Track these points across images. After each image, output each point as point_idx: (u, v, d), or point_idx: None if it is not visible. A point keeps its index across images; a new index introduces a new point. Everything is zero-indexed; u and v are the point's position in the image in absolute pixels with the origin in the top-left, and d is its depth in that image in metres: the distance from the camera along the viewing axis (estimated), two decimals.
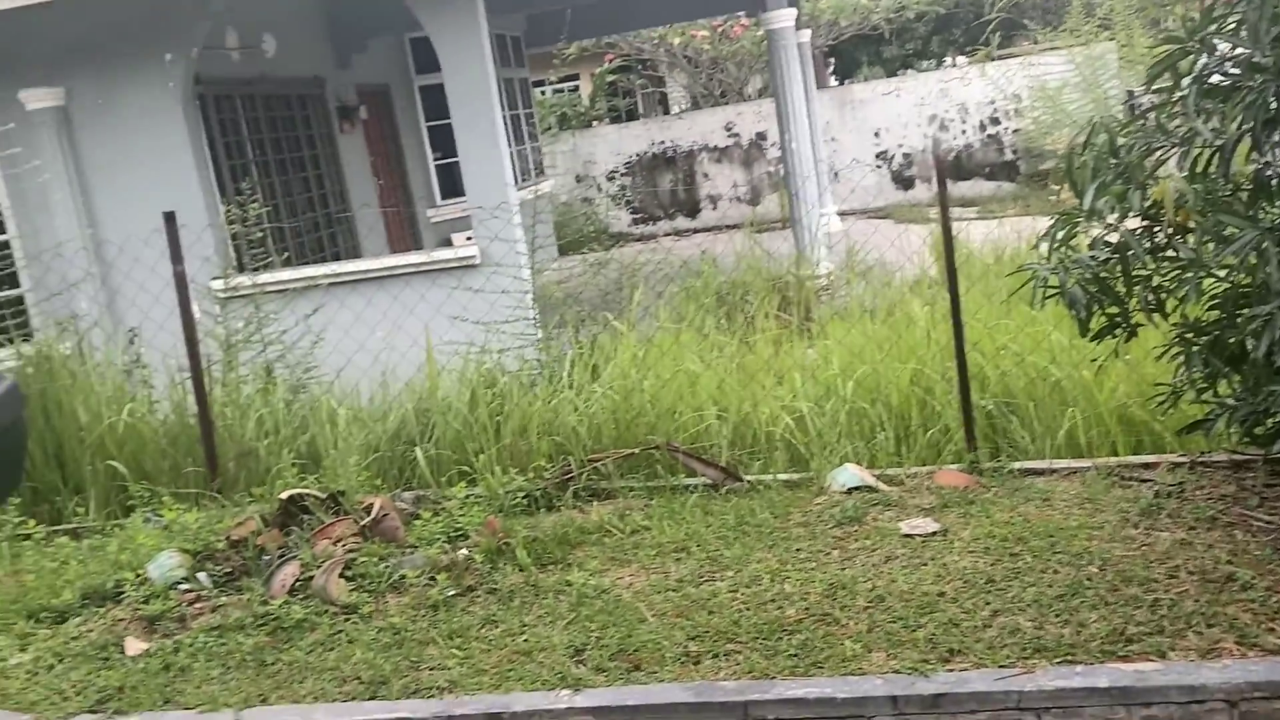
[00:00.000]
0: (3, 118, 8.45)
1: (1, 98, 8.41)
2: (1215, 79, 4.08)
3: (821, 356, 6.51)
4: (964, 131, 17.91)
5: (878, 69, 26.20)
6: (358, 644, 4.29)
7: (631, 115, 22.14)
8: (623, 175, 18.87)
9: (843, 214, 16.10)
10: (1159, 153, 4.27)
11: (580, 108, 20.60)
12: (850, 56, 25.23)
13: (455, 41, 7.96)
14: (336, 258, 10.53)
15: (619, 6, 14.15)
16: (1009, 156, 17.80)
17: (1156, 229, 4.55)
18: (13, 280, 8.84)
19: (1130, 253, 4.44)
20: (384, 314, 6.98)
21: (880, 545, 4.56)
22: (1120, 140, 4.50)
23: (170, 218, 5.94)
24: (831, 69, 25.31)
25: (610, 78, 20.42)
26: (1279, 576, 3.89)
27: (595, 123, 20.16)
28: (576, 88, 23.07)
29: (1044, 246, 4.70)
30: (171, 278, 6.00)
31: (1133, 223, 4.51)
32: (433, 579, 4.65)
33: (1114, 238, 4.58)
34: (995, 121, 17.82)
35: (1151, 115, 4.37)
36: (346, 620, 4.48)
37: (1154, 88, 4.32)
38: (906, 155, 18.05)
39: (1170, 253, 4.54)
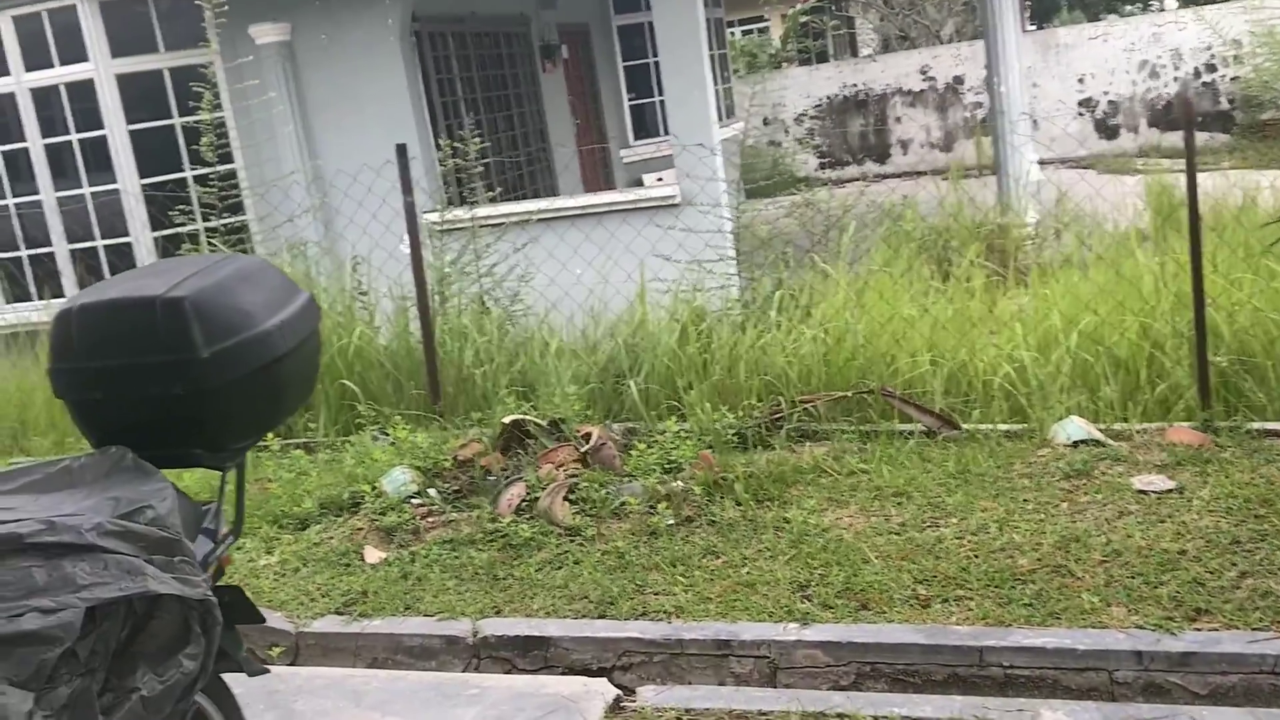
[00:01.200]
0: (235, 51, 8.87)
1: (233, 32, 8.82)
2: None
3: (1039, 306, 6.31)
4: (1176, 79, 16.96)
5: (1077, 12, 25.02)
6: (584, 564, 4.42)
7: (821, 58, 21.73)
8: (811, 118, 18.58)
9: (1043, 163, 15.47)
10: None
11: (770, 50, 20.32)
12: (1050, 0, 24.18)
13: None
14: (535, 195, 10.73)
15: None
16: (1224, 106, 16.78)
17: None
18: (238, 209, 9.33)
19: None
20: (600, 249, 7.08)
21: (1112, 500, 4.43)
22: None
23: (402, 150, 6.15)
24: (1028, 13, 24.28)
25: (803, 19, 20.07)
26: None
27: (785, 64, 19.86)
28: (766, 29, 22.75)
29: None
30: (397, 209, 6.22)
31: None
32: (652, 508, 4.75)
33: None
34: (1211, 69, 16.81)
35: None
36: (571, 541, 4.62)
37: None
38: (1112, 102, 17.22)
39: None
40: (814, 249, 7.74)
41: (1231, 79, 16.75)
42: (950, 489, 4.69)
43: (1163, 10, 21.40)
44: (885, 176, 16.69)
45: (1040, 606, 3.70)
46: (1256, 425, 5.03)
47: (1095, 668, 3.42)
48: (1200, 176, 12.41)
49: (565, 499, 4.85)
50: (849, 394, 5.62)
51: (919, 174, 16.49)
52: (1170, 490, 4.45)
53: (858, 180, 17.76)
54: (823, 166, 18.49)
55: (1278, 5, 15.81)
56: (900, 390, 5.61)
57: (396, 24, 8.86)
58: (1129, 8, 24.70)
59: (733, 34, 21.14)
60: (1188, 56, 16.87)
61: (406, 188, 6.16)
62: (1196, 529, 4.09)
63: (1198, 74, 16.93)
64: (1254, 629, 3.43)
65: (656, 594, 4.15)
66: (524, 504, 4.87)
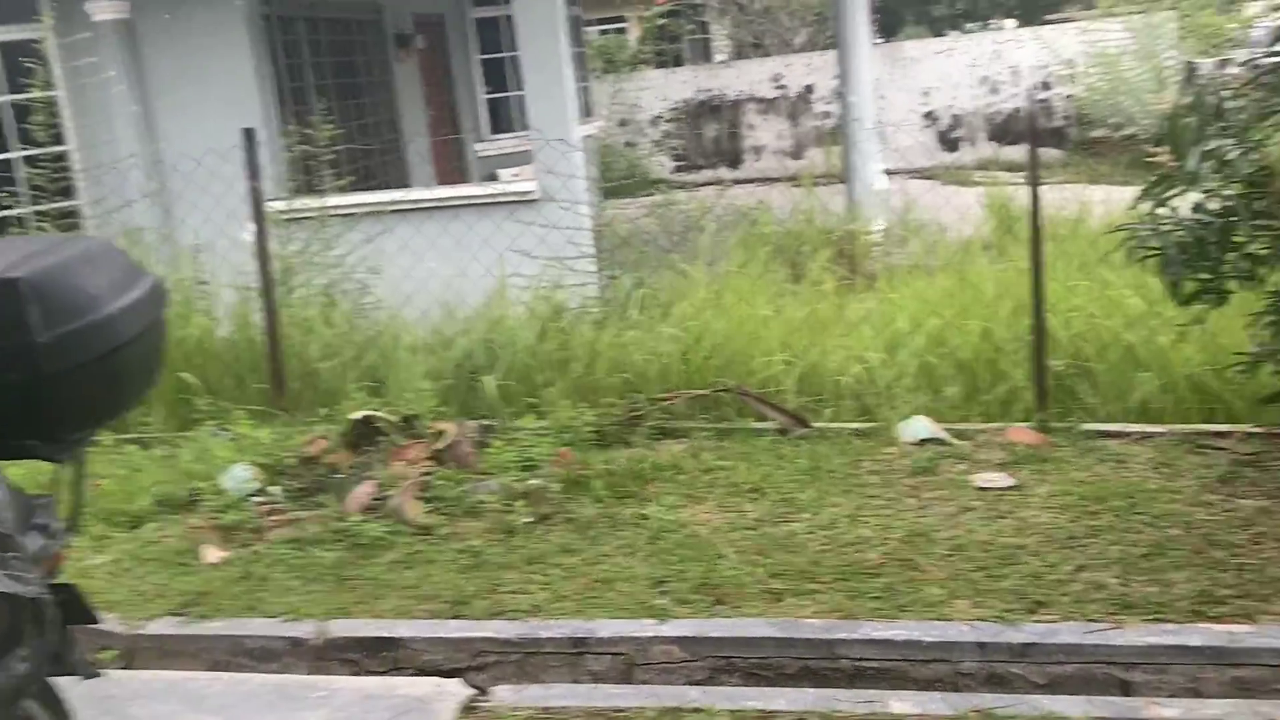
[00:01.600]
0: (71, 27, 8.41)
1: (69, 7, 8.36)
2: None
3: (887, 310, 6.48)
4: (1015, 95, 17.69)
5: (921, 27, 25.86)
6: (437, 564, 4.33)
7: (678, 61, 21.92)
8: (668, 121, 18.72)
9: (889, 172, 15.93)
10: (1273, 118, 4.20)
11: (627, 51, 20.40)
12: (895, 13, 24.92)
13: None
14: (387, 186, 10.49)
15: None
16: (1059, 123, 17.58)
17: (1259, 196, 4.49)
18: (69, 192, 8.84)
19: (1235, 218, 4.39)
20: (456, 244, 6.96)
21: (955, 496, 4.56)
22: (1230, 104, 4.44)
23: (249, 134, 5.92)
24: (875, 26, 24.98)
25: (660, 21, 20.20)
26: None
27: (642, 66, 19.97)
28: (624, 30, 22.83)
29: (1144, 207, 4.66)
30: (241, 195, 5.99)
31: (1236, 188, 4.47)
32: (509, 505, 4.68)
33: (1214, 203, 4.54)
34: (1046, 86, 17.59)
35: (1270, 78, 4.30)
36: (424, 540, 4.51)
37: (1272, 51, 4.25)
38: (955, 116, 17.86)
39: (1273, 221, 4.49)
40: (673, 249, 7.79)
41: (1066, 97, 17.55)
42: (803, 485, 4.76)
43: (1003, 28, 22.32)
44: (739, 181, 16.93)
45: (889, 600, 3.78)
46: (1090, 426, 5.26)
47: (941, 659, 3.51)
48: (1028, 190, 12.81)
49: (418, 497, 4.74)
50: (707, 392, 5.65)
51: (771, 180, 16.81)
52: (1010, 487, 4.61)
53: (712, 184, 18.00)
54: (678, 169, 18.65)
55: (1109, 28, 16.67)
56: (756, 389, 5.68)
57: (244, 5, 8.54)
58: (970, 25, 25.67)
59: (590, 33, 21.14)
60: (1026, 74, 17.61)
61: (253, 173, 5.93)
62: (1035, 524, 4.24)
63: (1035, 91, 17.69)
64: (1089, 620, 3.57)
65: (512, 593, 4.08)
66: (374, 502, 4.74)
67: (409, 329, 6.48)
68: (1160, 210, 4.64)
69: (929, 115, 17.89)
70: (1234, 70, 5.09)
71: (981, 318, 6.13)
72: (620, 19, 22.61)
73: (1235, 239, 4.58)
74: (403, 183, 11.05)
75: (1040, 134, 17.65)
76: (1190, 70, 10.57)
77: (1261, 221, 4.53)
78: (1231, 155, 4.37)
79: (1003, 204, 10.14)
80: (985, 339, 5.96)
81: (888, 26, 25.70)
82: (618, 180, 14.06)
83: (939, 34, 22.55)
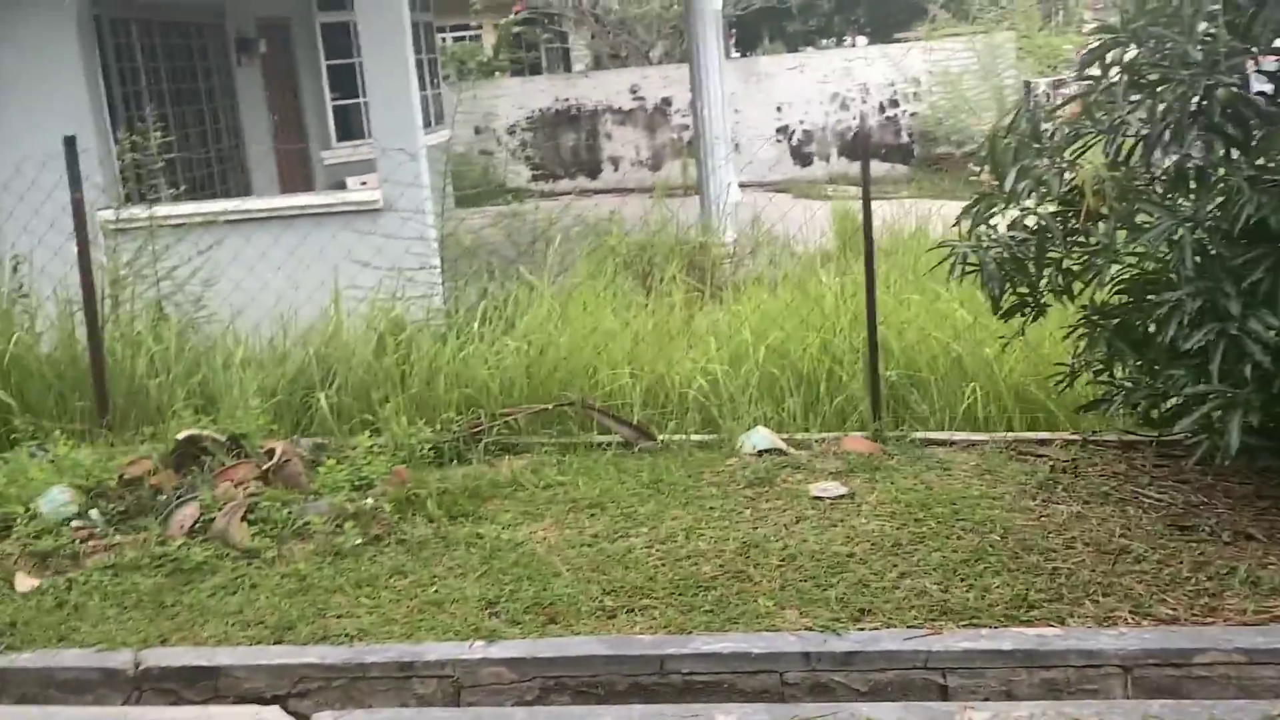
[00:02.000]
0: None
1: None
2: (1148, 71, 4.21)
3: (733, 322, 6.55)
4: (864, 111, 18.15)
5: (778, 43, 26.39)
6: (261, 589, 4.18)
7: (534, 69, 21.87)
8: (524, 130, 18.66)
9: (742, 185, 16.19)
10: (1084, 139, 4.38)
11: (482, 58, 20.26)
12: (752, 29, 25.35)
13: None
14: (227, 194, 10.17)
15: None
16: (904, 139, 18.13)
17: (1071, 214, 4.69)
18: None
19: (1048, 236, 4.57)
20: (290, 254, 6.77)
21: (791, 506, 4.63)
22: (1045, 125, 4.63)
23: (70, 142, 5.65)
24: (733, 40, 25.39)
25: (516, 29, 20.13)
26: (1170, 551, 4.07)
27: (497, 74, 19.86)
28: (478, 36, 22.66)
29: (966, 224, 4.82)
30: (65, 205, 5.72)
31: (1051, 206, 4.65)
32: (339, 527, 4.56)
33: (1031, 220, 4.72)
34: (894, 104, 18.12)
35: (1078, 102, 4.49)
36: (249, 565, 4.36)
37: (1084, 75, 4.44)
38: (807, 131, 18.24)
39: (1083, 238, 4.68)
40: (520, 260, 7.73)
41: (911, 114, 18.11)
42: (643, 499, 4.76)
43: (854, 46, 22.92)
44: (597, 192, 16.99)
45: (720, 612, 3.80)
46: (920, 435, 5.41)
47: (768, 670, 3.54)
48: (881, 204, 13.33)
49: (244, 519, 4.58)
50: (550, 406, 5.62)
51: (628, 191, 16.90)
52: (843, 496, 4.70)
53: (570, 194, 18.02)
54: (535, 179, 18.60)
55: (952, 47, 17.27)
56: (601, 402, 5.67)
57: (72, 7, 8.16)
58: (825, 41, 26.29)
59: (443, 39, 20.92)
60: (874, 91, 18.12)
61: (75, 182, 5.66)
62: (864, 532, 4.33)
63: (882, 108, 18.21)
64: (910, 626, 3.66)
65: (339, 617, 3.97)
66: (198, 525, 4.56)
67: (243, 344, 6.28)
68: (981, 228, 4.81)
69: (782, 130, 18.24)
70: (1067, 90, 5.32)
71: (821, 330, 6.25)
72: (475, 25, 22.44)
73: (1050, 255, 4.77)
74: (244, 191, 10.73)
75: (886, 150, 18.27)
76: (1027, 89, 11.04)
77: (1075, 238, 4.73)
78: (1046, 175, 4.54)
79: (845, 218, 10.38)
80: (824, 351, 6.08)
81: (747, 42, 26.13)
82: (471, 189, 13.94)
83: (795, 50, 23.02)
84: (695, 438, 5.42)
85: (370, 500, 4.73)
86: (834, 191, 15.21)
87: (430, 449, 5.26)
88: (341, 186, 11.92)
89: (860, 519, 4.47)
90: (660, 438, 5.41)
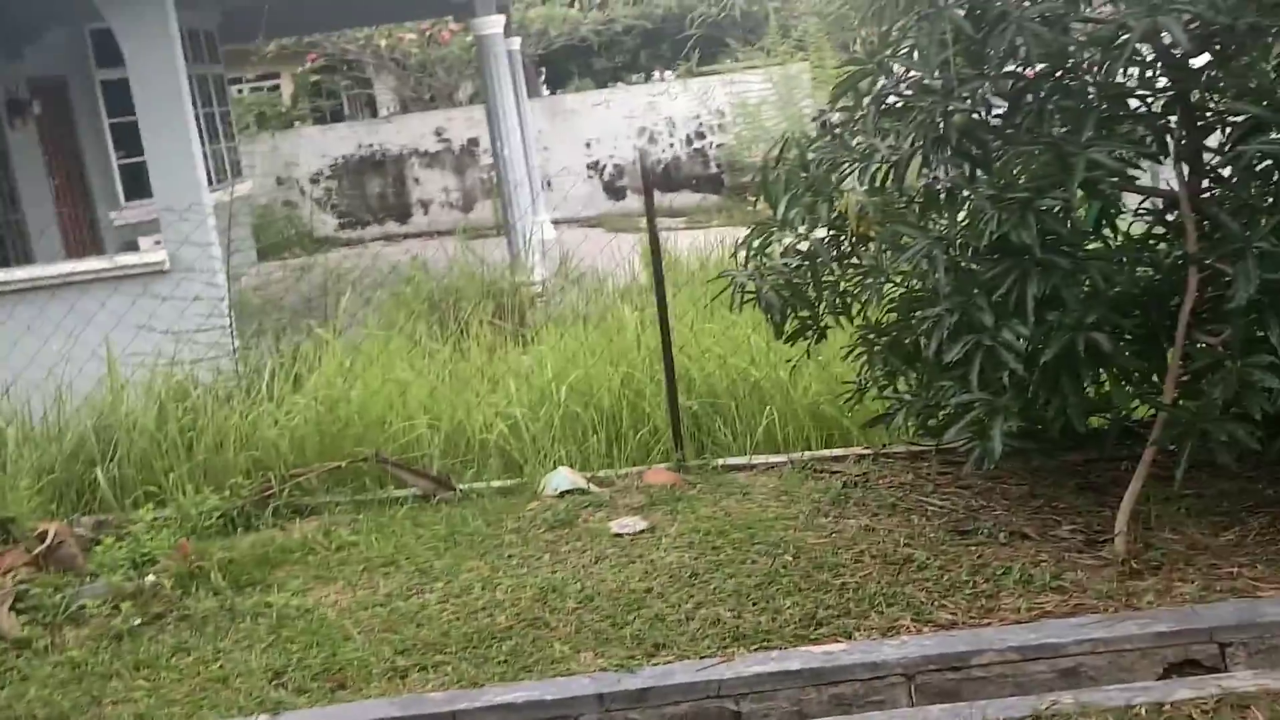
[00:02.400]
0: None
1: None
2: (892, 99, 4.39)
3: (536, 362, 6.53)
4: (672, 144, 18.50)
5: (588, 80, 26.70)
6: (32, 680, 3.93)
7: (337, 117, 21.50)
8: (328, 178, 18.30)
9: (556, 222, 16.27)
10: (843, 167, 4.54)
11: (281, 107, 19.81)
12: (561, 67, 25.57)
13: (140, 34, 7.46)
14: (5, 264, 9.63)
15: (320, 6, 13.69)
16: (714, 170, 18.53)
17: (842, 238, 4.85)
18: None
19: (819, 260, 4.71)
20: (58, 325, 6.43)
21: (591, 546, 4.61)
22: (810, 155, 4.78)
23: None
24: (543, 78, 25.55)
25: (314, 78, 19.77)
26: (950, 556, 4.21)
27: (298, 123, 19.45)
28: (277, 87, 22.17)
29: (741, 254, 4.93)
30: None
31: (822, 232, 4.80)
32: (116, 608, 4.32)
33: (805, 246, 4.86)
34: (701, 136, 18.50)
35: (837, 132, 4.65)
36: (19, 656, 4.09)
37: (838, 106, 4.60)
38: (618, 166, 18.45)
39: (854, 260, 4.85)
40: (313, 313, 7.54)
41: (718, 145, 18.53)
42: (439, 552, 4.67)
43: (662, 80, 23.33)
44: (407, 236, 16.78)
45: (515, 662, 3.75)
46: (722, 461, 5.49)
47: (562, 715, 3.51)
48: (692, 234, 13.52)
49: (12, 609, 4.30)
50: (343, 464, 5.47)
51: (440, 234, 16.73)
52: (643, 531, 4.71)
53: (379, 240, 17.74)
54: (343, 226, 18.24)
55: (752, 79, 17.76)
56: (399, 455, 5.56)
57: None
58: (634, 76, 26.72)
59: (240, 91, 20.39)
60: (680, 124, 18.47)
61: None
62: (662, 565, 4.35)
63: (689, 140, 18.58)
64: (703, 657, 3.68)
65: (115, 703, 3.76)
66: None
67: (16, 421, 5.92)
68: (760, 256, 4.92)
69: (593, 165, 18.41)
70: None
71: (624, 363, 6.29)
72: (273, 75, 21.96)
73: (826, 279, 4.92)
74: (26, 259, 10.16)
75: (696, 180, 18.65)
76: (821, 118, 11.45)
77: (848, 261, 4.89)
78: (815, 203, 4.69)
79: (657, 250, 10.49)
80: (626, 384, 6.11)
81: (557, 80, 26.33)
82: (274, 241, 13.59)
83: (605, 86, 23.30)
84: (496, 484, 5.36)
85: (151, 577, 4.51)
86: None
87: (219, 517, 5.06)
88: (134, 247, 11.42)
89: (659, 552, 4.48)
90: (460, 487, 5.33)
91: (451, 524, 4.92)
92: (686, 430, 5.68)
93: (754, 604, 3.98)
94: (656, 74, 26.75)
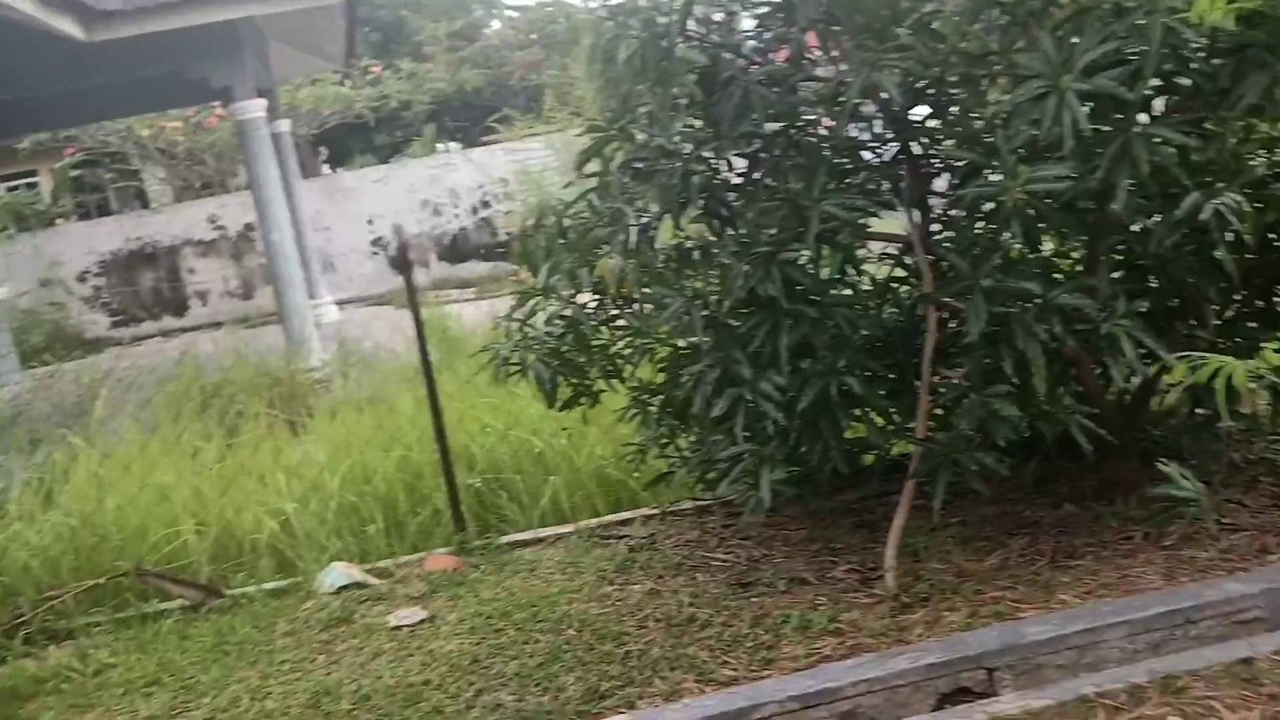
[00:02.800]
0: None
1: None
2: (637, 164, 4.45)
3: (307, 453, 6.29)
4: (457, 215, 18.43)
5: (370, 157, 26.40)
6: None
7: (105, 210, 20.53)
8: (96, 275, 17.40)
9: (342, 303, 15.91)
10: (596, 232, 4.56)
11: (41, 205, 18.78)
12: (342, 145, 25.20)
13: None
14: None
15: (71, 100, 13.04)
16: (502, 238, 18.53)
17: (606, 301, 4.86)
18: None
19: (581, 326, 4.70)
20: None
21: (368, 642, 4.42)
22: (567, 221, 4.79)
23: None
24: (324, 157, 25.12)
25: (75, 172, 18.83)
26: (732, 611, 4.22)
27: (61, 220, 18.46)
28: (35, 184, 21.02)
29: (507, 326, 4.88)
30: None
31: (586, 297, 4.80)
32: None
33: (570, 312, 4.85)
34: (486, 205, 18.51)
35: (589, 198, 4.68)
36: None
37: (589, 173, 4.63)
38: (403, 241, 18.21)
39: (621, 322, 4.86)
40: (73, 421, 7.08)
41: (506, 213, 18.56)
42: (207, 666, 4.39)
43: (447, 151, 23.24)
44: (185, 330, 16.09)
45: None
46: (507, 538, 5.38)
47: None
48: (482, 304, 13.41)
49: None
50: (102, 580, 5.11)
51: (219, 324, 16.12)
52: (423, 621, 4.55)
53: (156, 336, 16.96)
54: (116, 325, 17.36)
55: (532, 147, 17.91)
56: (163, 565, 5.23)
57: None
58: (415, 150, 26.55)
59: None
60: (464, 195, 18.44)
61: None
62: (442, 655, 4.19)
63: (475, 210, 18.56)
64: None
65: None
66: None
67: None
68: (525, 326, 4.88)
69: (377, 242, 18.14)
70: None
71: (399, 446, 6.13)
72: (30, 173, 20.83)
73: (596, 343, 4.91)
74: None
75: (485, 249, 18.61)
76: (569, 185, 11.56)
77: (615, 324, 4.90)
78: (575, 268, 4.69)
79: (437, 324, 10.39)
80: (404, 468, 5.95)
81: (339, 157, 25.90)
82: (39, 345, 12.77)
83: (387, 161, 23.05)
84: (269, 586, 5.10)
85: None
86: (438, 297, 15.25)
87: None
88: None
89: (440, 641, 4.32)
90: (229, 592, 5.04)
91: (220, 633, 4.64)
92: (469, 509, 5.56)
93: (536, 685, 3.88)
94: (440, 146, 26.70)
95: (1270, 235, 4.38)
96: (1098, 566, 4.07)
